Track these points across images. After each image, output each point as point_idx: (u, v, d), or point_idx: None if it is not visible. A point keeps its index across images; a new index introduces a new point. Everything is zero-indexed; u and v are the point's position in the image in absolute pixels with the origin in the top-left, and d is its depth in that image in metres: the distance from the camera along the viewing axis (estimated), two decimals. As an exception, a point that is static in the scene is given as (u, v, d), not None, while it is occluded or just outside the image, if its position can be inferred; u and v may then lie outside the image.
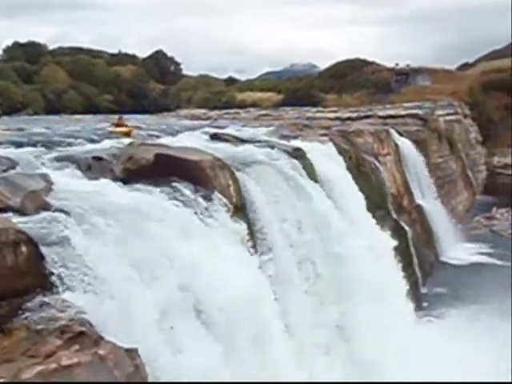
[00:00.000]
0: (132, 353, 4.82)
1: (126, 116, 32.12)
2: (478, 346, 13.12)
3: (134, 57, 76.54)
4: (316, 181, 13.70)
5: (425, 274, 20.28)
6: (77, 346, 4.60)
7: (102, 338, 4.85)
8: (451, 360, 12.32)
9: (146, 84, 67.41)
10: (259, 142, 15.50)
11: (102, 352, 4.56)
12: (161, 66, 74.76)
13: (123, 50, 78.62)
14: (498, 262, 22.42)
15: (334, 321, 11.48)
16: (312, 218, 11.84)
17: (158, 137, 16.39)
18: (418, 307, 16.76)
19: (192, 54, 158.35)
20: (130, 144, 11.87)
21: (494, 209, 30.74)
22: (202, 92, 58.34)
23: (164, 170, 9.42)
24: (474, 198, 33.58)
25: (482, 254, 24.05)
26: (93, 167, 9.94)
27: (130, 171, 9.72)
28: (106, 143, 13.45)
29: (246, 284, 7.98)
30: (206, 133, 17.51)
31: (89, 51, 72.39)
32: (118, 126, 19.68)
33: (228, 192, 10.13)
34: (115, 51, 77.96)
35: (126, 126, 19.98)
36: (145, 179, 9.14)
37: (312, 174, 13.93)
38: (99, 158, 10.31)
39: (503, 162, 39.36)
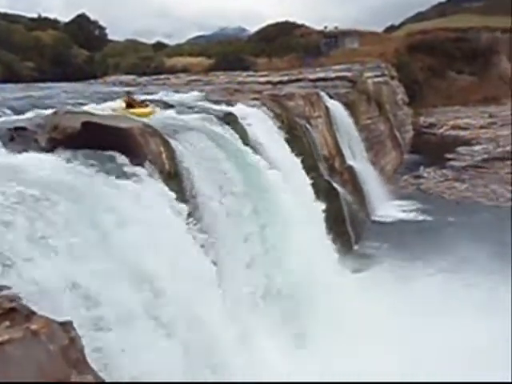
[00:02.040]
0: (66, 326, 4.72)
1: (49, 84, 30.65)
2: (399, 295, 13.97)
3: (55, 21, 72.80)
4: (249, 145, 13.72)
5: (357, 232, 20.95)
6: (7, 323, 4.46)
7: (33, 312, 4.72)
8: (373, 307, 13.15)
9: (70, 50, 64.41)
10: (190, 107, 15.28)
11: (34, 327, 4.44)
12: (84, 30, 71.49)
13: (43, 15, 74.75)
14: (427, 218, 23.57)
15: (265, 276, 11.79)
16: (246, 181, 11.90)
17: (84, 104, 15.77)
18: (351, 264, 17.34)
19: (117, 18, 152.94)
20: (55, 113, 11.38)
21: (422, 168, 31.97)
22: (129, 58, 56.57)
23: (92, 139, 9.10)
24: (401, 158, 34.74)
25: (410, 211, 25.16)
26: (16, 138, 9.49)
27: (55, 141, 9.33)
28: (30, 114, 12.83)
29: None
30: (135, 99, 17.01)
31: (5, 16, 68.16)
32: (130, 105, 14.63)
33: (160, 159, 9.95)
34: (34, 15, 74.00)
35: (146, 104, 14.89)
36: (72, 149, 8.82)
37: (244, 138, 13.93)
38: (22, 129, 9.84)
39: (428, 122, 40.87)
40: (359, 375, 9.92)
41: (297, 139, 18.35)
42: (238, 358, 8.91)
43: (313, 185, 16.47)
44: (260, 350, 10.20)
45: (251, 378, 8.88)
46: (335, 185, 20.48)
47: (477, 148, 34.62)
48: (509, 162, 30.73)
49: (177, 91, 22.51)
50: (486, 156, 32.87)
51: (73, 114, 11.22)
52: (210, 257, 9.72)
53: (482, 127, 37.76)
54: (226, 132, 13.41)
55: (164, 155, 10.02)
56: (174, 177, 10.03)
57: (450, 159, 33.58)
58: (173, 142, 10.79)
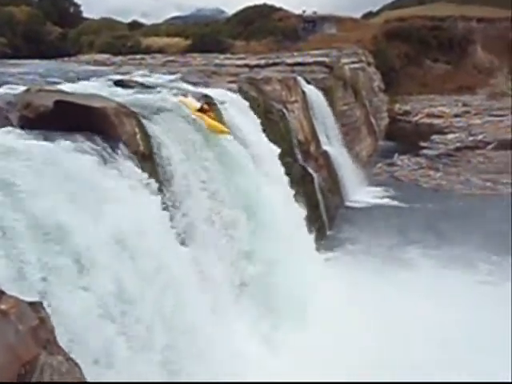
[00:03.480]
0: (36, 306, 4.68)
1: (22, 61, 29.88)
2: (375, 279, 14.41)
3: (28, -3, 70.97)
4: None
5: (331, 218, 21.14)
6: (-25, 303, 4.40)
7: (3, 292, 4.66)
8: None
9: (43, 27, 62.91)
10: (166, 88, 15.11)
11: (3, 307, 4.39)
12: (59, 7, 69.81)
13: (16, -10, 72.64)
14: (401, 205, 23.91)
15: (245, 254, 11.86)
16: (222, 164, 11.88)
17: (57, 83, 15.46)
18: (324, 248, 17.54)
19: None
20: (27, 90, 11.13)
21: (396, 155, 32.32)
22: (104, 36, 55.45)
23: (65, 118, 8.93)
24: (376, 144, 35.05)
25: (384, 197, 25.49)
26: (-15, 115, 9.26)
27: (27, 120, 9.14)
28: (1, 90, 12.53)
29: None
30: (110, 79, 16.79)
31: (-24, -10, 66.17)
32: (203, 110, 12.40)
33: (135, 140, 9.84)
34: (6, -10, 71.86)
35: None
36: (44, 128, 8.65)
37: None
38: (-8, 106, 9.61)
39: (404, 109, 41.22)
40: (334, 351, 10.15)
41: (273, 124, 18.34)
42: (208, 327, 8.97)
43: (287, 170, 16.51)
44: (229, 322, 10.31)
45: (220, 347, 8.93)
46: (310, 170, 20.57)
47: (450, 137, 35.11)
48: (480, 151, 31.28)
49: (152, 71, 22.23)
50: (458, 145, 33.37)
51: (46, 91, 10.98)
52: (180, 236, 9.75)
53: (455, 116, 38.25)
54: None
55: (139, 136, 9.91)
56: (148, 158, 9.94)
57: (424, 147, 34.00)
58: (148, 124, 10.68)
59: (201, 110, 12.49)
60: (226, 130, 12.61)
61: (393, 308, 12.68)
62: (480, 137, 33.23)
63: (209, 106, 12.82)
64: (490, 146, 31.69)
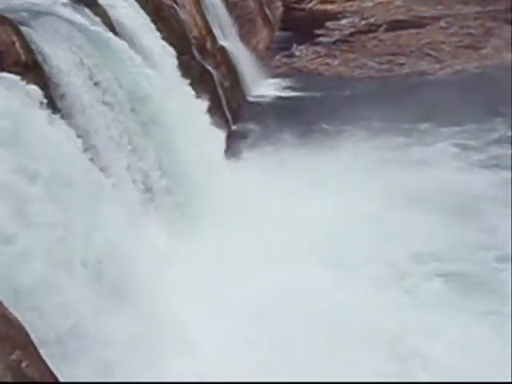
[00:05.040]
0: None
1: None
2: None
3: None
4: (113, 30, 12.88)
5: (234, 114, 21.11)
6: None
7: None
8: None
9: None
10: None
11: None
12: None
13: None
14: (303, 94, 24.19)
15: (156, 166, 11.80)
16: (111, 66, 11.35)
17: None
18: (230, 146, 17.67)
19: None
20: None
21: (294, 46, 32.00)
22: None
23: None
24: (273, 35, 34.50)
25: (286, 88, 25.59)
26: None
27: None
28: None
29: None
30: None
31: None
32: None
33: (14, 50, 9.09)
34: None
35: None
36: None
37: (107, 22, 13.01)
38: None
39: (297, -3, 40.43)
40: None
41: (165, 21, 17.48)
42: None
43: (185, 69, 16.07)
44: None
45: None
46: (209, 67, 20.12)
47: (344, 22, 35.18)
48: (372, 35, 31.75)
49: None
50: (352, 30, 33.59)
51: None
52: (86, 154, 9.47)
53: (347, 0, 38.15)
54: (86, 17, 12.40)
55: (18, 45, 9.14)
56: (32, 68, 9.26)
57: (320, 35, 33.91)
58: (27, 30, 9.85)
59: None
60: None
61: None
62: (372, 20, 33.60)
63: None
64: (381, 29, 32.18)
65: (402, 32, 31.01)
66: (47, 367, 5.52)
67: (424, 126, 18.90)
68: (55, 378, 5.63)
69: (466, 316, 9.90)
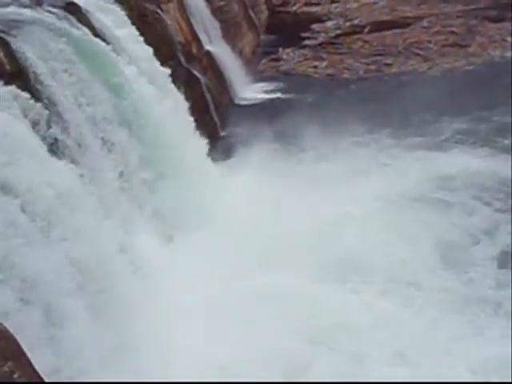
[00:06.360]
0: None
1: None
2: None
3: None
4: (98, 36, 12.87)
5: (222, 118, 21.11)
6: None
7: None
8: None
9: None
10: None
11: None
12: None
13: None
14: (293, 97, 24.21)
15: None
16: (96, 72, 11.34)
17: None
18: (219, 150, 17.67)
19: None
20: None
21: (280, 49, 32.01)
22: None
23: None
24: (258, 39, 34.57)
25: (275, 91, 25.58)
26: None
27: None
28: None
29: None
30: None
31: None
32: None
33: (-2, 59, 9.06)
34: None
35: None
36: None
37: (92, 30, 12.99)
38: None
39: (282, 0, 40.51)
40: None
41: (149, 27, 17.47)
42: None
43: (172, 74, 16.08)
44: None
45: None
46: (195, 72, 20.13)
47: (329, 24, 35.31)
48: (357, 36, 31.89)
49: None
50: (338, 32, 33.72)
51: None
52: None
53: (332, 1, 38.31)
54: (72, 25, 12.37)
55: (2, 54, 9.11)
56: (17, 78, 9.23)
57: (305, 38, 33.99)
58: (11, 39, 9.83)
59: None
60: None
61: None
62: (356, 21, 33.76)
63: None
64: (366, 30, 32.34)
65: (387, 32, 31.17)
66: (40, 378, 5.51)
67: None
68: (47, 387, 5.61)
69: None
